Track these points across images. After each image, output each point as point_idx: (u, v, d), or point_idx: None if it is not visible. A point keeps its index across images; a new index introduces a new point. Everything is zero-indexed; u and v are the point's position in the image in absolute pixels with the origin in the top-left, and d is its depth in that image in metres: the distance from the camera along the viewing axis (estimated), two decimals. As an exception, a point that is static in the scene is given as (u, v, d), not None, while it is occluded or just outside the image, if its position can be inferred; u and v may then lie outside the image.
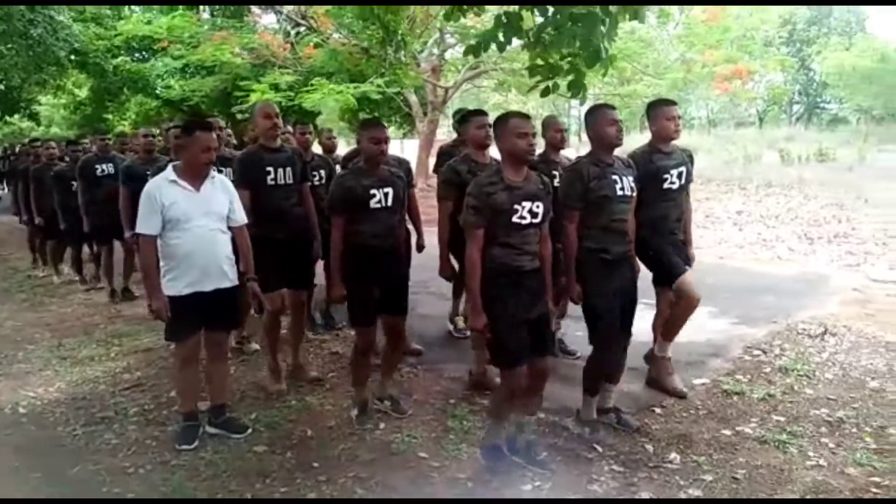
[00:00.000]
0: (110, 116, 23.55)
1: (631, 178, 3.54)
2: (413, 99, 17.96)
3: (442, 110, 18.32)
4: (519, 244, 3.11)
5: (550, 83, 4.30)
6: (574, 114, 48.03)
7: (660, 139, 3.96)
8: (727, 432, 3.70)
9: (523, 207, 3.07)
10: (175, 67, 17.03)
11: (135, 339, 5.56)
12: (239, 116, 20.90)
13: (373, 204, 3.69)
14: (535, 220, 3.12)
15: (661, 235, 3.95)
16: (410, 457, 3.51)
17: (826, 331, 5.15)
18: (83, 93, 21.70)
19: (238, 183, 4.03)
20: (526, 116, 3.18)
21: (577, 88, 4.20)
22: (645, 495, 3.10)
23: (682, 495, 3.11)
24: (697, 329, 4.96)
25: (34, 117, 19.68)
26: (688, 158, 4.05)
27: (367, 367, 3.99)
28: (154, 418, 4.05)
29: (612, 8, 3.74)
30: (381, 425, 3.86)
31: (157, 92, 18.01)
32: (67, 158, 8.44)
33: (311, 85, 13.11)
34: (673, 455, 3.46)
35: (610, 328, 3.54)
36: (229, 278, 3.58)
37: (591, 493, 3.15)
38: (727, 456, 3.45)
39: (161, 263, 3.39)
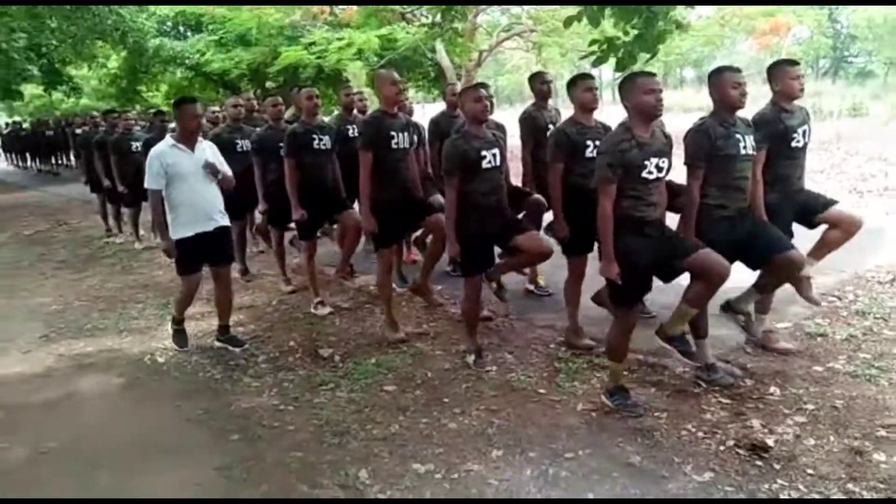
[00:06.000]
0: (143, 88, 23.91)
1: (751, 138, 3.67)
2: (445, 63, 18.05)
3: (475, 73, 18.40)
4: (645, 196, 3.37)
5: (602, 55, 4.89)
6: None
7: (785, 98, 3.98)
8: (818, 368, 3.98)
9: (651, 163, 3.33)
10: (212, 41, 17.26)
11: (235, 298, 5.89)
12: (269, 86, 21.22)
13: (484, 165, 3.98)
14: (660, 175, 3.39)
15: (786, 193, 4.01)
16: (531, 392, 3.85)
17: (895, 278, 5.40)
18: (112, 64, 22.00)
19: (364, 146, 4.32)
20: (652, 74, 3.41)
21: (623, 66, 4.76)
22: (755, 423, 3.41)
23: (789, 422, 3.41)
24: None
25: (76, 90, 20.02)
26: (807, 116, 4.07)
27: (478, 314, 4.33)
28: (282, 365, 4.44)
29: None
30: (495, 368, 4.20)
31: (196, 66, 18.25)
32: (139, 128, 8.82)
33: (340, 38, 13.09)
34: (773, 389, 3.75)
35: None
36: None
37: (705, 421, 3.46)
38: (823, 389, 3.74)
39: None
